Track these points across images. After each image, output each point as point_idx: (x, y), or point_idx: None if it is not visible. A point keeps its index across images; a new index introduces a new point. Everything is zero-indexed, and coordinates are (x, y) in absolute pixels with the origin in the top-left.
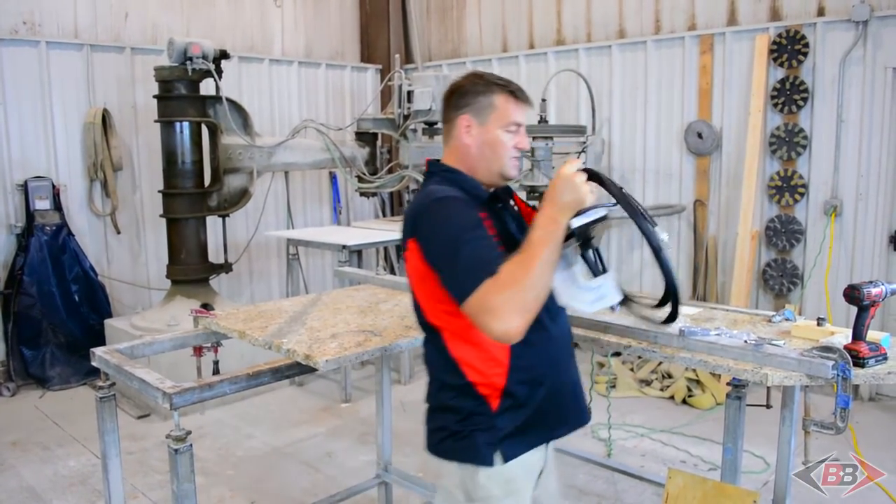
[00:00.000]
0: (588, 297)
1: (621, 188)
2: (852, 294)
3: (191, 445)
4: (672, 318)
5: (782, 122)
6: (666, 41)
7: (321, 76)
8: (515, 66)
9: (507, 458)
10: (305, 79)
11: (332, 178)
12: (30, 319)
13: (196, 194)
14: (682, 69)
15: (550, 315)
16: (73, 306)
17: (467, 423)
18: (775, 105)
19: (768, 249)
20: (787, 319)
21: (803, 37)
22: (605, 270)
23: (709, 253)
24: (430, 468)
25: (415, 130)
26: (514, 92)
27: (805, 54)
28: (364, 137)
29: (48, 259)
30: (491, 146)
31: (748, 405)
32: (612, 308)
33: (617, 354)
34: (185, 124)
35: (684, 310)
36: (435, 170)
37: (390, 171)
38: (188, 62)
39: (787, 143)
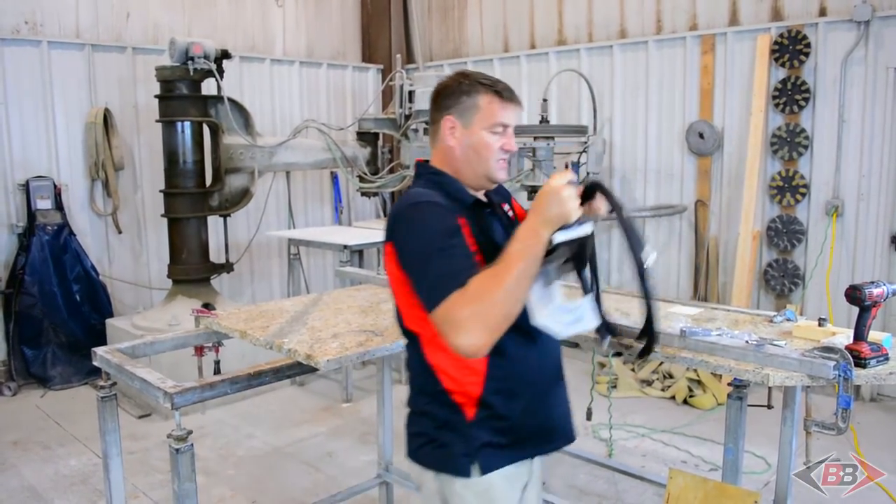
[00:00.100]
0: (565, 319)
1: (623, 208)
2: (854, 294)
3: (192, 445)
4: (647, 351)
5: (784, 122)
6: (667, 41)
7: (322, 76)
8: (517, 66)
9: (484, 470)
10: (307, 79)
11: (334, 177)
12: (31, 319)
13: (197, 194)
14: (684, 69)
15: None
16: (75, 306)
17: (443, 430)
18: (777, 105)
19: (769, 250)
20: (788, 320)
21: (805, 37)
22: (594, 290)
23: (710, 253)
24: (413, 474)
25: (416, 130)
26: (500, 92)
27: (806, 54)
28: (365, 137)
29: (49, 259)
30: (475, 148)
31: (749, 405)
32: (598, 341)
33: (618, 354)
34: (187, 124)
35: (686, 310)
36: (422, 171)
37: (391, 171)
38: (190, 62)
39: (789, 143)
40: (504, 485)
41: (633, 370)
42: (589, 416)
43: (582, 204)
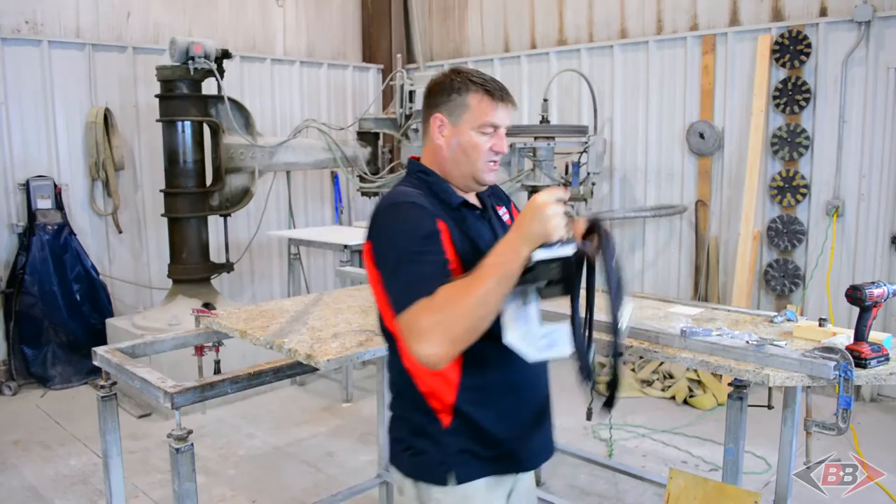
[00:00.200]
0: (537, 342)
1: (614, 253)
2: (854, 294)
3: (192, 445)
4: (609, 404)
5: (784, 122)
6: (668, 41)
7: (323, 76)
8: (517, 66)
9: (460, 480)
10: (307, 78)
11: (334, 177)
12: (31, 319)
13: (198, 194)
14: (684, 69)
15: None
16: (75, 306)
17: (420, 437)
18: (777, 105)
19: (770, 250)
20: (788, 320)
21: (805, 37)
22: (587, 319)
23: (710, 253)
24: (395, 479)
25: (416, 130)
26: (491, 91)
27: (807, 55)
28: (366, 137)
29: (50, 258)
30: (464, 148)
31: (749, 406)
32: (585, 379)
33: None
34: (187, 124)
35: (686, 310)
36: (412, 169)
37: (392, 170)
38: (190, 62)
39: (789, 143)
40: (485, 493)
41: (633, 370)
42: (589, 416)
43: (585, 238)
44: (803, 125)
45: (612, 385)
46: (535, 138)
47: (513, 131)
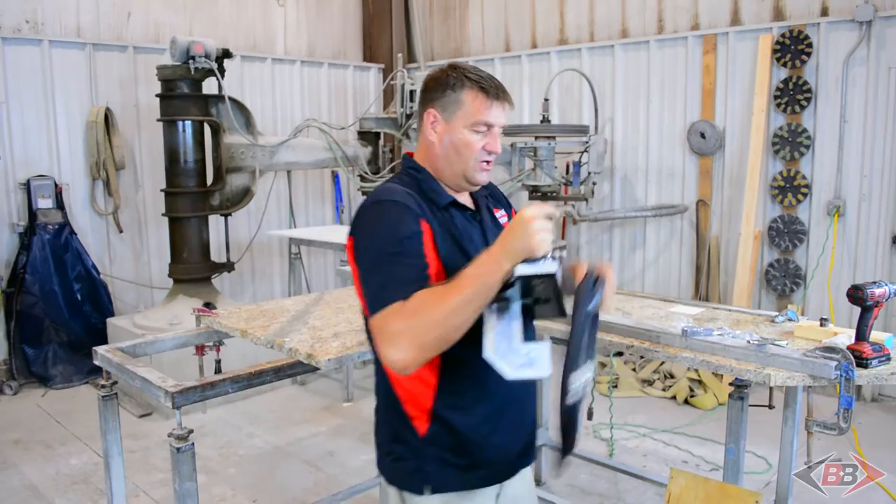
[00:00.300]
0: (515, 360)
1: (590, 312)
2: (856, 294)
3: (192, 444)
4: (564, 453)
5: (785, 122)
6: (669, 41)
7: (323, 75)
8: (518, 66)
9: (435, 490)
10: (308, 78)
11: (335, 177)
12: (32, 318)
13: (198, 193)
14: (685, 69)
15: None
16: (76, 305)
17: (398, 443)
18: (778, 105)
19: (771, 250)
20: (789, 320)
21: (807, 37)
22: (574, 344)
23: (711, 253)
24: (382, 483)
25: (417, 129)
26: (486, 88)
27: (808, 54)
28: (366, 137)
29: (50, 258)
30: (455, 146)
31: (750, 405)
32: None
33: (619, 354)
34: (188, 123)
35: (687, 310)
36: (404, 165)
37: (393, 170)
38: (191, 61)
39: (791, 143)
40: (468, 502)
41: (633, 370)
42: (590, 415)
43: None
44: (804, 125)
45: (565, 437)
46: (536, 138)
47: (513, 131)
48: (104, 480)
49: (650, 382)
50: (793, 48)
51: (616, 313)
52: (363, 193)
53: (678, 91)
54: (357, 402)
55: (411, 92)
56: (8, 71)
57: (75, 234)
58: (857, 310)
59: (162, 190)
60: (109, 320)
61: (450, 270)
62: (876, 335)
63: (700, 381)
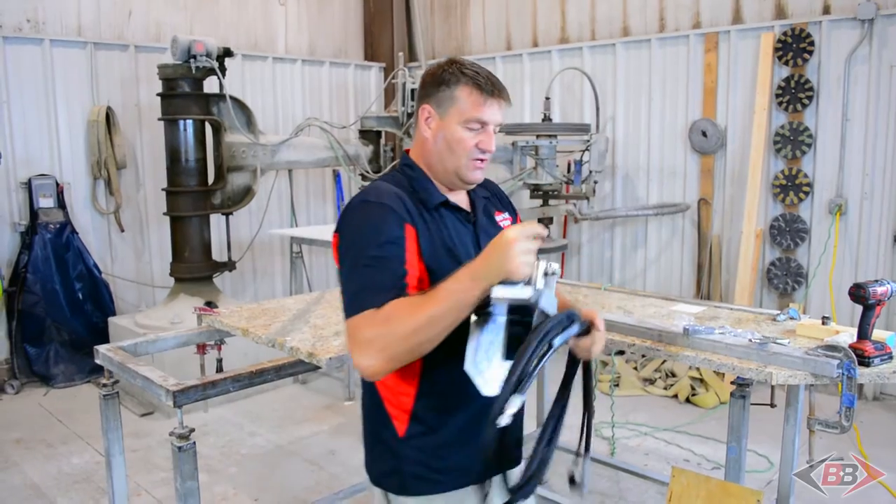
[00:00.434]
0: (494, 377)
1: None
2: (858, 293)
3: (194, 443)
4: (518, 490)
5: (787, 120)
6: (670, 39)
7: (325, 74)
8: (519, 65)
9: (412, 492)
10: (309, 77)
11: (336, 176)
12: (34, 317)
13: (200, 192)
14: (687, 67)
15: None
16: (77, 304)
17: (378, 444)
18: (780, 103)
19: (772, 248)
20: (791, 318)
21: (809, 35)
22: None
23: (713, 251)
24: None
25: None
26: (482, 85)
27: (810, 52)
28: (368, 135)
29: (52, 257)
30: (448, 142)
31: (752, 404)
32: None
33: (621, 353)
34: (189, 122)
35: (689, 308)
36: (401, 162)
37: (394, 169)
38: (192, 60)
39: (792, 141)
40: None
41: (635, 368)
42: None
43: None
44: (806, 123)
45: (531, 472)
46: (538, 136)
47: (515, 129)
48: (106, 479)
49: (652, 381)
50: (794, 46)
51: (618, 312)
52: None
53: (680, 89)
54: (358, 401)
55: (412, 91)
56: (9, 70)
57: (77, 234)
58: (859, 308)
59: (163, 189)
60: (111, 319)
61: (434, 273)
62: (878, 333)
63: (702, 380)
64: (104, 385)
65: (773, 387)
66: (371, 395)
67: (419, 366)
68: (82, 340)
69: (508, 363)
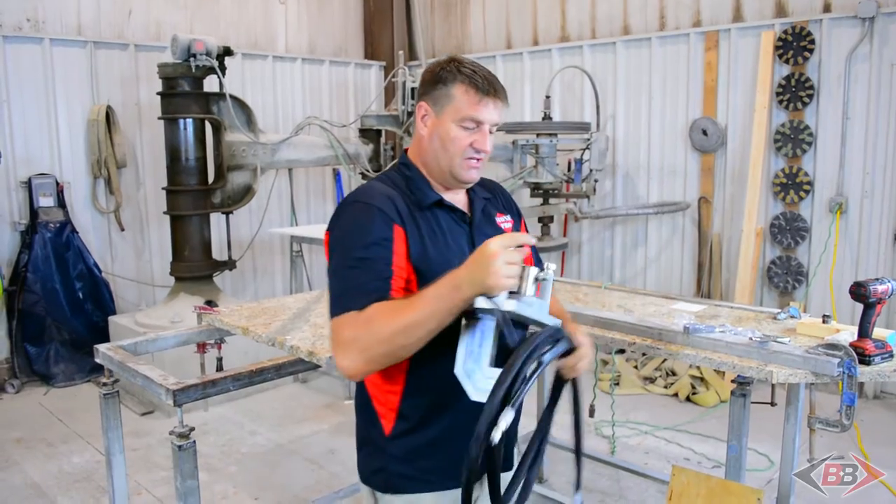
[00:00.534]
0: (481, 383)
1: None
2: (858, 291)
3: (194, 442)
4: None
5: (787, 118)
6: (671, 38)
7: (325, 73)
8: (519, 63)
9: (397, 491)
10: (309, 76)
11: (336, 175)
12: (34, 316)
13: (200, 191)
14: (687, 66)
15: None
16: (77, 303)
17: (367, 441)
18: (781, 102)
19: (773, 247)
20: (792, 317)
21: (809, 33)
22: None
23: (713, 250)
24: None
25: None
26: (477, 83)
27: (811, 51)
28: (368, 134)
29: (52, 256)
30: (442, 140)
31: (753, 403)
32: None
33: (621, 351)
34: (189, 121)
35: (689, 307)
36: (399, 161)
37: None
38: (192, 59)
39: (793, 140)
40: None
41: (635, 367)
42: (591, 413)
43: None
44: (807, 122)
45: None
46: (538, 135)
47: (515, 128)
48: (106, 478)
49: (652, 380)
50: (795, 45)
51: (618, 310)
52: None
53: (680, 88)
54: None
55: (412, 89)
56: (9, 69)
57: (77, 233)
58: (860, 307)
59: (163, 188)
60: (111, 318)
61: (422, 275)
62: (878, 332)
63: (702, 379)
64: (104, 384)
65: (773, 385)
66: (361, 394)
67: (406, 365)
68: (82, 339)
69: (497, 371)
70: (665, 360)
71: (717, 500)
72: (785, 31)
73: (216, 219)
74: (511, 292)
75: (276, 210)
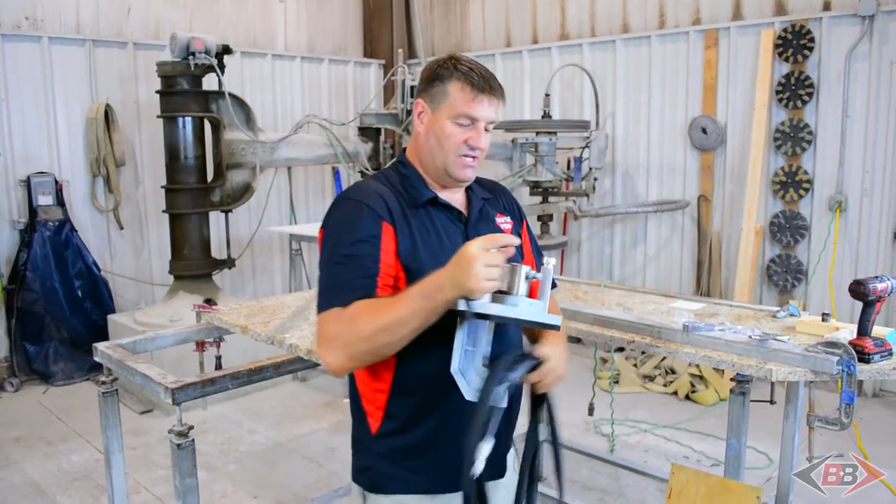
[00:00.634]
0: (475, 383)
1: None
2: (858, 289)
3: (193, 440)
4: None
5: (787, 117)
6: (670, 36)
7: (324, 71)
8: (519, 61)
9: (381, 491)
10: (308, 74)
11: (335, 173)
12: (33, 315)
13: (199, 190)
14: (687, 64)
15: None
16: (76, 302)
17: (357, 440)
18: (780, 100)
19: (772, 245)
20: (791, 315)
21: (809, 31)
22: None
23: (713, 248)
24: None
25: None
26: (473, 80)
27: (810, 49)
28: (367, 133)
29: (51, 255)
30: (437, 137)
31: (752, 401)
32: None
33: (620, 350)
34: (188, 119)
35: (689, 305)
36: (396, 160)
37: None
38: (191, 57)
39: (792, 138)
40: None
41: (635, 365)
42: (591, 411)
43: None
44: (806, 120)
45: None
46: (537, 133)
47: (514, 126)
48: (105, 477)
49: (651, 378)
50: (795, 43)
51: (617, 308)
52: None
53: (679, 86)
54: None
55: (412, 88)
56: (7, 68)
57: (76, 231)
58: (859, 305)
59: (162, 186)
60: (110, 317)
61: (411, 273)
62: (878, 330)
63: (701, 377)
64: (103, 382)
65: (772, 383)
66: (352, 392)
67: (394, 363)
68: (81, 338)
69: (483, 374)
70: (664, 358)
71: (717, 498)
72: (784, 30)
73: (215, 217)
74: (502, 292)
75: (275, 208)
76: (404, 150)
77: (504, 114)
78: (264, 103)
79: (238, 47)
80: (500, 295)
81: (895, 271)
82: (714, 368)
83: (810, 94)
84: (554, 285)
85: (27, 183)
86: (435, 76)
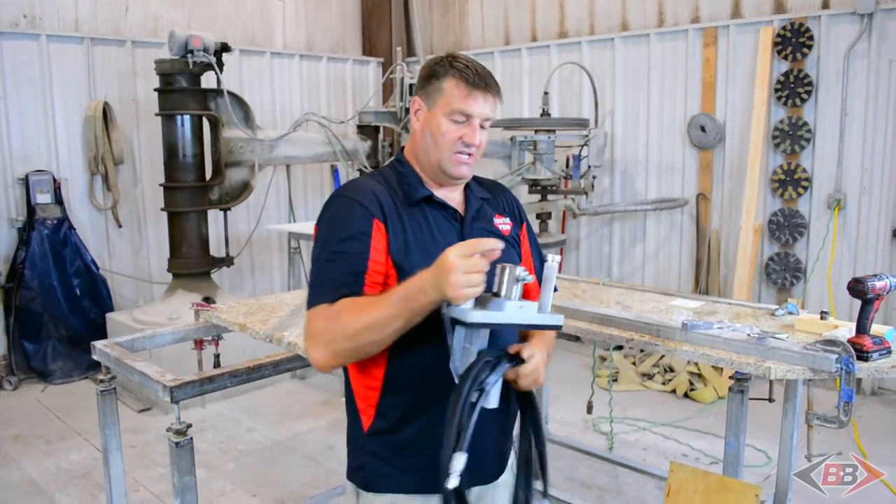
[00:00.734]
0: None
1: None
2: (856, 287)
3: (191, 439)
4: None
5: (786, 115)
6: (669, 34)
7: (322, 69)
8: (518, 59)
9: (372, 489)
10: (307, 72)
11: (334, 171)
12: (31, 313)
13: (197, 188)
14: (686, 62)
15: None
16: (75, 300)
17: (351, 438)
18: (779, 98)
19: (771, 243)
20: (790, 313)
21: (808, 29)
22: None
23: (711, 246)
24: None
25: None
26: (468, 77)
27: (809, 47)
28: (366, 131)
29: (49, 253)
30: (432, 133)
31: (750, 399)
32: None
33: (619, 348)
34: (187, 117)
35: (687, 303)
36: (395, 158)
37: None
38: (189, 55)
39: (791, 136)
40: None
41: (633, 363)
42: (590, 409)
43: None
44: (805, 118)
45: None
46: (536, 131)
47: (513, 124)
48: (103, 475)
49: (650, 376)
50: (794, 41)
51: (616, 307)
52: None
53: (678, 84)
54: None
55: (410, 86)
56: (6, 66)
57: (74, 229)
58: (858, 303)
59: (161, 184)
60: (108, 315)
61: (402, 271)
62: (876, 328)
63: (700, 375)
64: (101, 381)
65: (771, 381)
66: (347, 390)
67: (385, 361)
68: (80, 336)
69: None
70: (663, 356)
71: (715, 496)
72: (783, 28)
73: (214, 215)
74: (494, 293)
75: (273, 206)
76: (402, 148)
77: (503, 112)
78: (263, 101)
79: (237, 45)
80: (489, 296)
81: (894, 269)
82: (713, 366)
83: (809, 93)
84: (555, 289)
85: (25, 181)
86: (431, 73)
